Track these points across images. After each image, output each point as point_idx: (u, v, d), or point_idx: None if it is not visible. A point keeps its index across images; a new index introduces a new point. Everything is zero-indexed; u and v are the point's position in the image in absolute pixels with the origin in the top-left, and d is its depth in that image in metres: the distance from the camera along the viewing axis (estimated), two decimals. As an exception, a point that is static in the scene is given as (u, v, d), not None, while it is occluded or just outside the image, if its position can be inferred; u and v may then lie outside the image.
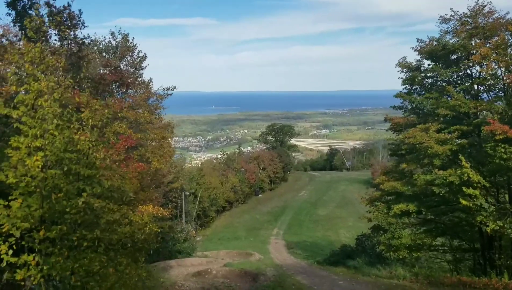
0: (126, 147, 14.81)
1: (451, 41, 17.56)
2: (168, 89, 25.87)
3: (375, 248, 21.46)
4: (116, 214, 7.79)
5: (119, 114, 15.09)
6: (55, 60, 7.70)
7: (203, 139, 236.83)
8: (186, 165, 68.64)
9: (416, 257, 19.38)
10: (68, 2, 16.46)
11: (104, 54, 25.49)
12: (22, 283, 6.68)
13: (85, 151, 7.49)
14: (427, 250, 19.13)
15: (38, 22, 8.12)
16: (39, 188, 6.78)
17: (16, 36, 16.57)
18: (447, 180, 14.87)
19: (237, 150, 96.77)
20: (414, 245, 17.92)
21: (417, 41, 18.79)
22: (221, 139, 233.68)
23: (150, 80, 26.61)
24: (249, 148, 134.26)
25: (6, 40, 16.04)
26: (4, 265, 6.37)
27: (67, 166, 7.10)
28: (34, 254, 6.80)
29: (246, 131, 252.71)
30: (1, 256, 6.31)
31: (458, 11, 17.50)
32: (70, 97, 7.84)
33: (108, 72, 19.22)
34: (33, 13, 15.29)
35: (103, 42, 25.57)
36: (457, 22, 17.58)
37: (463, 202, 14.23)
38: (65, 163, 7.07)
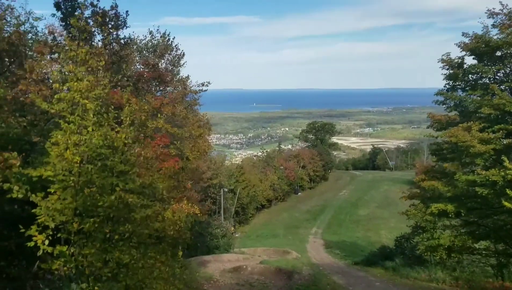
0: (161, 145, 15.20)
1: (495, 37, 16.86)
2: (202, 84, 26.30)
3: (415, 250, 21.00)
4: (148, 210, 8.03)
5: (157, 111, 15.50)
6: (97, 60, 8.04)
7: (244, 137, 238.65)
8: (226, 162, 69.48)
9: (457, 260, 18.84)
10: (115, 3, 16.97)
11: (145, 52, 26.21)
12: (56, 272, 7.04)
13: (120, 148, 7.77)
14: (469, 253, 18.54)
15: (83, 22, 8.47)
16: (74, 182, 7.12)
17: (61, 35, 17.21)
18: (490, 179, 14.34)
19: (277, 148, 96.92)
20: (453, 247, 17.40)
21: (462, 35, 18.14)
22: (262, 137, 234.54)
23: (188, 77, 27.14)
24: (289, 146, 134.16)
25: (53, 38, 16.70)
26: (40, 253, 6.74)
27: (102, 162, 7.41)
28: (68, 245, 7.16)
29: (287, 129, 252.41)
30: (38, 245, 6.68)
31: (507, 5, 16.76)
32: (108, 95, 8.16)
33: (146, 70, 19.74)
34: (79, 13, 15.95)
35: (143, 41, 26.32)
36: (505, 16, 16.85)
37: (507, 204, 13.66)
38: (100, 158, 7.39)
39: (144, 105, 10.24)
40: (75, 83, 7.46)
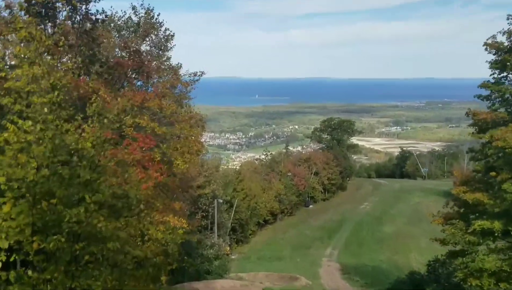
0: (145, 148, 15.16)
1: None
2: (195, 74, 26.17)
3: (452, 277, 20.93)
4: (121, 232, 7.87)
5: (139, 107, 15.46)
6: (51, 39, 7.91)
7: (244, 136, 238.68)
8: (221, 166, 69.39)
9: (505, 289, 18.72)
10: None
11: (124, 32, 26.09)
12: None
13: (87, 150, 7.61)
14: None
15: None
16: (30, 192, 6.98)
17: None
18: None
19: (284, 150, 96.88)
20: (500, 274, 17.29)
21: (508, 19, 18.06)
22: (266, 136, 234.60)
23: (180, 65, 26.96)
24: (299, 148, 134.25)
25: (10, 13, 16.68)
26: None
27: (64, 169, 7.25)
28: (26, 268, 7.08)
29: (296, 127, 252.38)
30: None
31: None
32: (72, 83, 8.07)
33: (126, 57, 19.63)
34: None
35: (122, 19, 26.14)
36: None
37: None
38: (56, 162, 7.23)
39: (118, 97, 10.16)
40: (26, 67, 7.30)
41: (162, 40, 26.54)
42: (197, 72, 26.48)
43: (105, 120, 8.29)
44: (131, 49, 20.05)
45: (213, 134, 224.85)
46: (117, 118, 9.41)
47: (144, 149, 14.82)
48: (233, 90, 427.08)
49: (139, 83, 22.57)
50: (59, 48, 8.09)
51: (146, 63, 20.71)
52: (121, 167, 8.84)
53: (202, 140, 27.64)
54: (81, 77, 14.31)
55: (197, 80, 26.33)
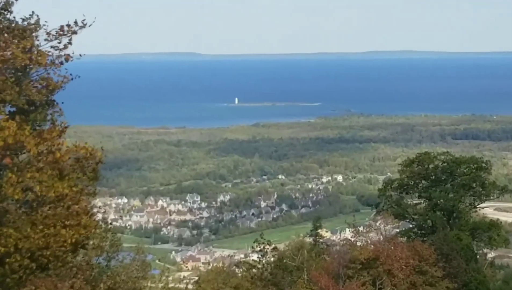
0: None
1: None
2: (62, 32, 26.88)
3: None
4: None
5: None
6: None
7: (203, 204, 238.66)
8: (151, 284, 69.96)
9: None
10: None
11: None
12: None
13: None
14: None
15: None
16: None
17: None
18: None
19: (311, 238, 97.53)
20: None
21: None
22: (262, 204, 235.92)
23: (35, 20, 27.73)
24: (346, 232, 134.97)
25: None
26: None
27: None
28: None
29: (339, 178, 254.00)
30: None
31: None
32: None
33: None
34: None
35: None
36: None
37: None
38: None
39: None
40: None
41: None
42: (67, 27, 27.07)
43: None
44: None
45: (125, 200, 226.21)
46: None
47: None
48: (182, 86, 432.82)
49: None
50: None
51: None
52: None
53: (99, 211, 28.01)
54: None
55: (67, 46, 27.02)
